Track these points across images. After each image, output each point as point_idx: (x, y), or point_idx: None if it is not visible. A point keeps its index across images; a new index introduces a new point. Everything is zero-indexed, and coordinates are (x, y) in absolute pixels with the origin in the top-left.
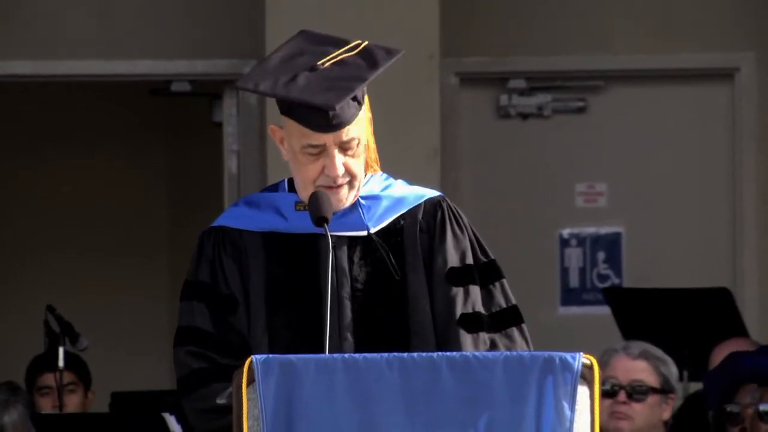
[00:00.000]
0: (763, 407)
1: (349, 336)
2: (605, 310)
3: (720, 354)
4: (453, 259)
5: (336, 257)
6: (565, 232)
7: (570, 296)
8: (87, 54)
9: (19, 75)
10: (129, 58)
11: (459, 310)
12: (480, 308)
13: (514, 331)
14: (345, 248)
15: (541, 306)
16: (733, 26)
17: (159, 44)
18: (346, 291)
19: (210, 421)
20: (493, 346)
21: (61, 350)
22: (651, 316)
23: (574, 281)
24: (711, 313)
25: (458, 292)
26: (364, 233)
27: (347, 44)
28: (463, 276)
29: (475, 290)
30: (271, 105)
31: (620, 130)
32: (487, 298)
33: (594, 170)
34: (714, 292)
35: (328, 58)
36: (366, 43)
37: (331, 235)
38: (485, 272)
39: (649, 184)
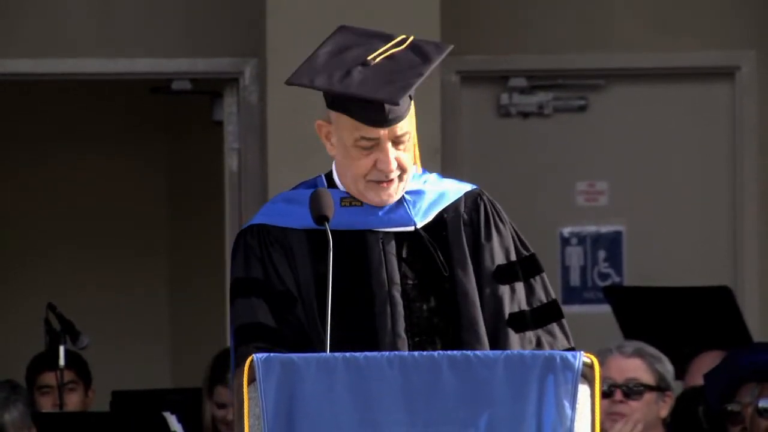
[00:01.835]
0: (761, 403)
1: (402, 333)
2: (606, 309)
3: (697, 367)
4: (499, 257)
5: (385, 253)
6: (566, 231)
7: (571, 295)
8: (87, 52)
9: (19, 73)
10: (129, 56)
11: (507, 310)
12: (525, 306)
13: (555, 327)
14: (393, 243)
15: None
16: (734, 24)
17: (159, 42)
18: (397, 288)
19: None
20: (538, 345)
21: (61, 349)
22: (652, 314)
23: (574, 280)
24: (712, 312)
25: (505, 290)
26: (411, 228)
27: (393, 38)
28: (509, 274)
29: (520, 287)
30: (273, 103)
31: (621, 128)
32: (529, 292)
33: (595, 169)
34: (715, 291)
35: (378, 53)
36: (412, 37)
37: (377, 231)
38: (527, 266)
39: (649, 183)
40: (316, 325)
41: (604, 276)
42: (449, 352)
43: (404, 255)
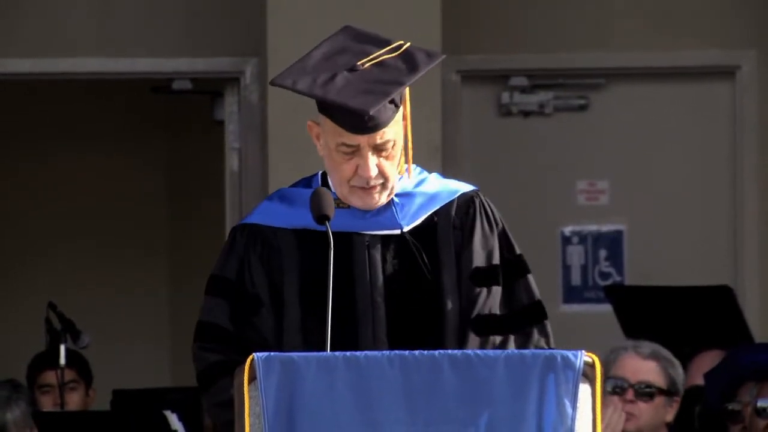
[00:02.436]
0: (760, 403)
1: (383, 337)
2: (607, 308)
3: (697, 366)
4: (479, 259)
5: (370, 256)
6: (567, 230)
7: (571, 294)
8: (88, 52)
9: (20, 73)
10: (130, 56)
11: (476, 312)
12: (496, 310)
13: (533, 330)
14: (379, 247)
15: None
16: (735, 24)
17: (160, 42)
18: (380, 291)
19: (231, 412)
20: (502, 346)
21: (62, 348)
22: (652, 314)
23: (575, 279)
24: (712, 311)
25: (480, 292)
26: (398, 232)
27: (389, 44)
28: (487, 277)
29: (497, 291)
30: (273, 103)
31: (622, 127)
32: (509, 296)
33: (595, 168)
34: (715, 290)
35: (368, 58)
36: (408, 44)
37: (363, 234)
38: (509, 269)
39: (650, 182)
40: (293, 327)
41: (604, 275)
42: (449, 351)
43: (390, 258)
